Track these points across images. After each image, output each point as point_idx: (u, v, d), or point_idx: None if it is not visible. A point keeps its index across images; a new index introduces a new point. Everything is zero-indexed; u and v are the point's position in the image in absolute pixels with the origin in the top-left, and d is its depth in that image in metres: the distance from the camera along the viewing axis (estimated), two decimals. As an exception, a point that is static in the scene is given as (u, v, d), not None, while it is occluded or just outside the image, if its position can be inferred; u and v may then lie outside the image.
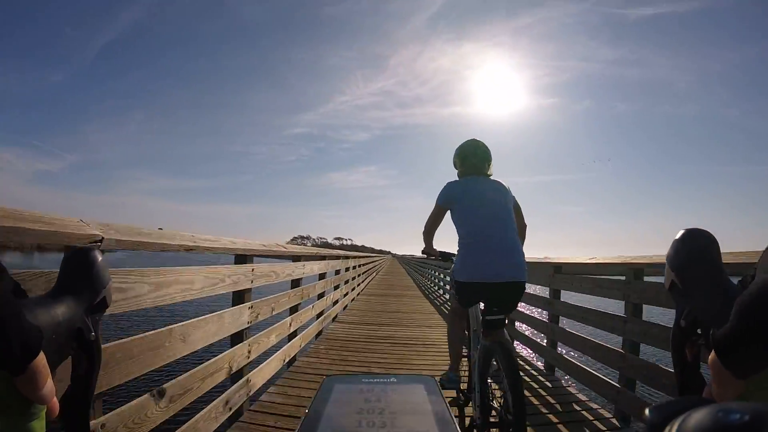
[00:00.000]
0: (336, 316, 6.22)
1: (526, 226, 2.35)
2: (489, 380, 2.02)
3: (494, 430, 1.92)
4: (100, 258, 0.83)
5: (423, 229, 2.36)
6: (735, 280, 0.72)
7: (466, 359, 2.40)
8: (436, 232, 2.37)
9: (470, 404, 2.20)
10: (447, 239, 2.43)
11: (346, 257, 7.24)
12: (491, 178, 2.29)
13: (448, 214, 2.26)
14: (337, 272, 6.39)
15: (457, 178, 2.35)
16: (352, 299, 8.40)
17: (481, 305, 2.18)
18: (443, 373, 2.35)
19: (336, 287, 6.22)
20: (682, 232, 0.86)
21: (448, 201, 2.22)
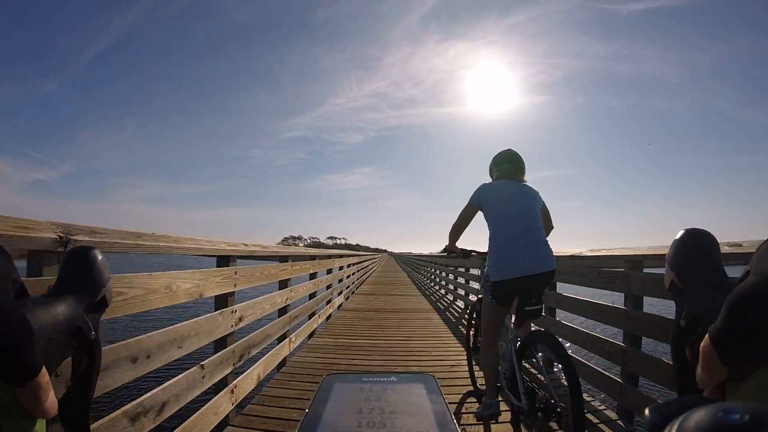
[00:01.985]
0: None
1: (553, 228, 2.52)
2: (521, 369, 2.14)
3: (539, 414, 1.96)
4: (100, 257, 0.85)
5: (450, 227, 2.47)
6: (737, 271, 0.71)
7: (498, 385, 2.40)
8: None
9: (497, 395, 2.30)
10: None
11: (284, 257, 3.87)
12: (523, 183, 2.44)
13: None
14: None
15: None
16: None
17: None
18: (480, 405, 2.39)
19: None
20: (682, 232, 0.89)
21: (480, 200, 2.36)
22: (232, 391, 2.42)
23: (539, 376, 2.09)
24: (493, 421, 2.37)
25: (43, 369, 0.61)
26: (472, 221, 2.44)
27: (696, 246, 0.87)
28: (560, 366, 1.90)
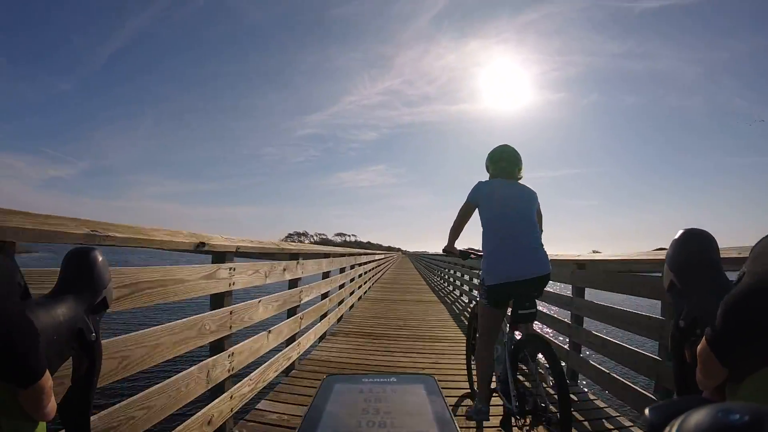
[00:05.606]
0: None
1: (542, 231, 2.41)
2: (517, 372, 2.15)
3: (529, 416, 2.00)
4: (100, 258, 0.84)
5: (451, 225, 2.44)
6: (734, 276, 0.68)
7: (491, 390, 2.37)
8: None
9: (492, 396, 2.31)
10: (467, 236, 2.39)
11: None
12: (521, 182, 2.42)
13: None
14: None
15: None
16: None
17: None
18: (472, 407, 2.36)
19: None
20: (680, 232, 0.88)
21: (476, 198, 2.33)
22: (231, 397, 2.24)
23: (529, 380, 2.08)
24: (483, 424, 2.39)
25: (47, 372, 0.60)
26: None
27: (695, 246, 0.86)
28: (550, 369, 1.90)
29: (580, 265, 3.54)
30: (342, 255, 5.99)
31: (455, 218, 2.42)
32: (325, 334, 4.71)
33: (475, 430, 2.39)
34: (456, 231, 2.43)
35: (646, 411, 0.34)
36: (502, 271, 2.15)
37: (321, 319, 4.54)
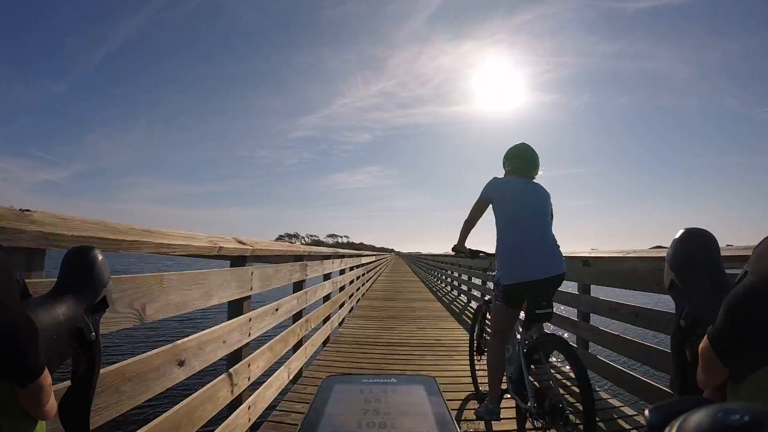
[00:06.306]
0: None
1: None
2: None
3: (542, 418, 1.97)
4: (100, 257, 0.83)
5: (463, 222, 2.40)
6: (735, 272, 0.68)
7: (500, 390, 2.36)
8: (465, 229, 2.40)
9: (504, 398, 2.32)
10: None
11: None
12: (536, 182, 2.38)
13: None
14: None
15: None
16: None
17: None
18: (481, 405, 2.39)
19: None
20: (681, 231, 0.88)
21: (492, 195, 2.29)
22: (249, 408, 2.16)
23: (543, 380, 2.07)
24: (493, 421, 2.40)
25: (46, 370, 0.60)
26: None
27: (696, 246, 0.86)
28: (572, 369, 1.89)
29: (585, 261, 3.57)
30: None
31: (468, 214, 2.37)
32: (328, 338, 4.65)
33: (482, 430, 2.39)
34: (468, 227, 2.39)
35: (646, 411, 0.34)
36: (520, 270, 2.12)
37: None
